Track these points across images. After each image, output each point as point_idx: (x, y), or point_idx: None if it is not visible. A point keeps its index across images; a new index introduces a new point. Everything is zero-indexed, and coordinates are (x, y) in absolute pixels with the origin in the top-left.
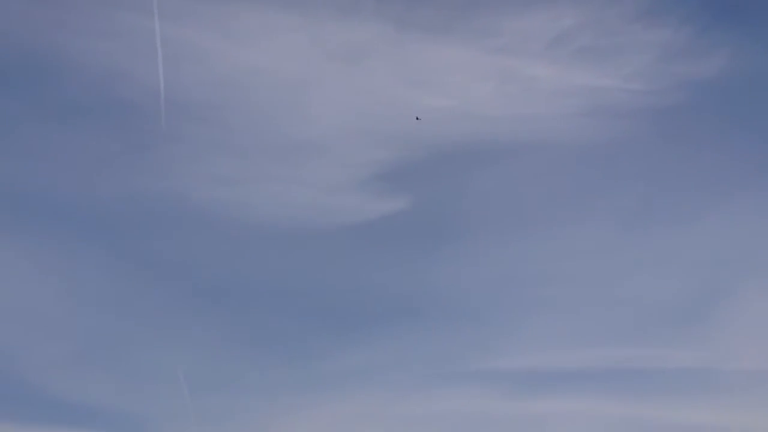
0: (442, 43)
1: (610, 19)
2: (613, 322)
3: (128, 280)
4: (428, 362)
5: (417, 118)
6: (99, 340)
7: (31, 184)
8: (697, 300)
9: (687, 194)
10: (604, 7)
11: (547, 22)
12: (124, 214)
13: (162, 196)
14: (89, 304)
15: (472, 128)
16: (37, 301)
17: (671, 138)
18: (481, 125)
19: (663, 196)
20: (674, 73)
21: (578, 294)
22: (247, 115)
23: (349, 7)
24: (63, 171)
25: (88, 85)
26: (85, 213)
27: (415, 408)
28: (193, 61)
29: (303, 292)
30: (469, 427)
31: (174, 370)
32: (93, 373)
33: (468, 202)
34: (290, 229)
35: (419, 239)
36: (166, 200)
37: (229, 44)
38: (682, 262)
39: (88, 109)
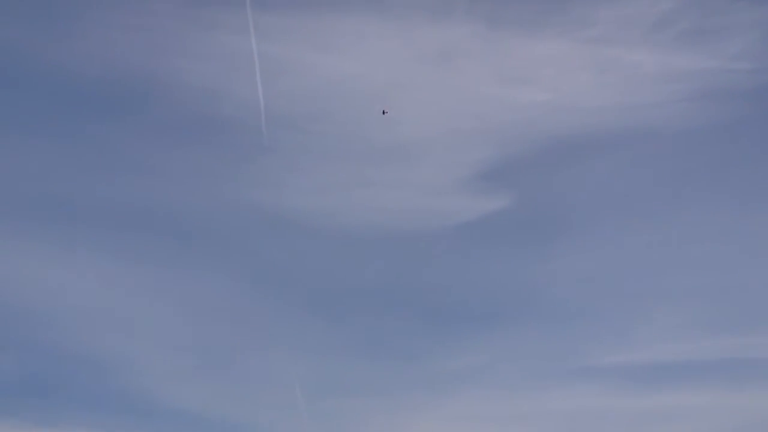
0: (536, 37)
1: None
2: (731, 310)
3: (238, 289)
4: (540, 359)
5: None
6: (214, 350)
7: (142, 201)
8: None
9: None
10: None
11: (645, 7)
12: (232, 226)
13: (266, 207)
14: (202, 315)
15: (572, 121)
16: (155, 314)
17: None
18: (582, 117)
19: None
20: None
21: (694, 283)
22: (344, 123)
23: (440, 9)
24: (171, 187)
25: (191, 105)
26: (194, 226)
27: (528, 406)
28: (289, 75)
29: (410, 294)
30: (584, 425)
31: (288, 376)
32: (210, 382)
33: (573, 196)
34: (393, 234)
35: (524, 236)
36: (271, 211)
37: (323, 55)
38: None
39: (192, 128)
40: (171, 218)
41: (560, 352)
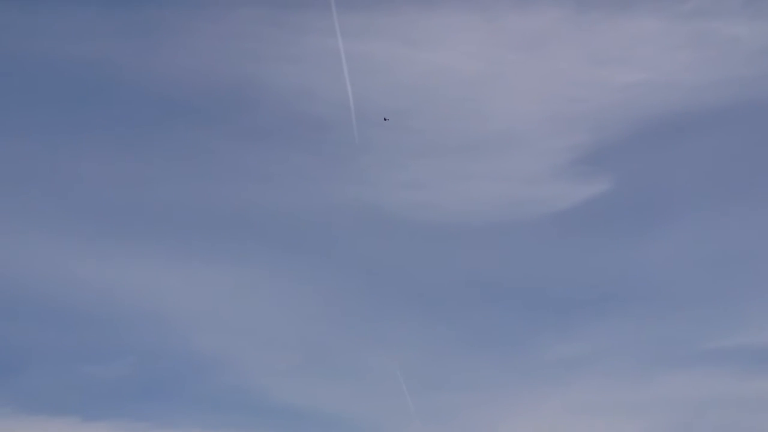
0: (628, 15)
1: None
2: None
3: (340, 287)
4: (650, 347)
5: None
6: (319, 347)
7: (242, 204)
8: None
9: None
10: None
11: None
12: (329, 225)
13: (362, 204)
14: (306, 313)
15: (670, 100)
16: (261, 314)
17: None
18: (680, 95)
19: None
20: None
21: None
22: (435, 117)
23: None
24: (268, 189)
25: (283, 107)
26: (293, 227)
27: (639, 394)
28: (377, 72)
29: (512, 285)
30: (697, 411)
31: (393, 371)
32: (316, 379)
33: (674, 177)
34: (491, 225)
35: (627, 220)
36: (368, 208)
37: (410, 51)
38: None
39: (284, 129)
40: (270, 220)
41: (669, 338)
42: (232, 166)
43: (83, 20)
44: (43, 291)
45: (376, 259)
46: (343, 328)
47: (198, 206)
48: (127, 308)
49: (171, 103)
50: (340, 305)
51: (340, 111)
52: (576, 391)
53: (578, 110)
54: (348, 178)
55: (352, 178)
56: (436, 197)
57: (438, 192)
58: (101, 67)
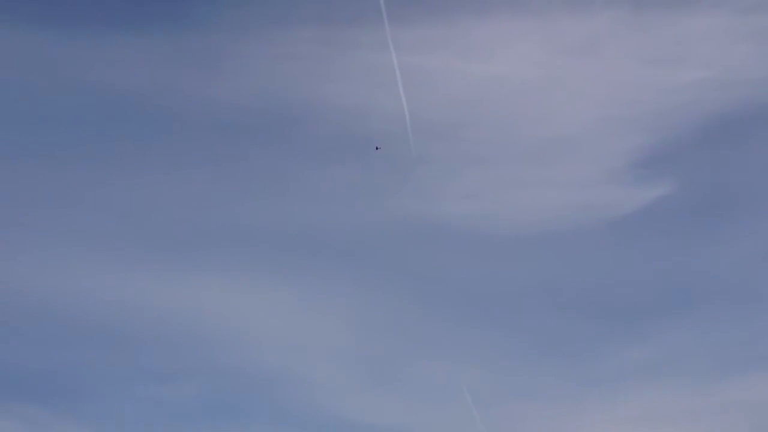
0: (686, 13)
1: None
2: None
3: (401, 300)
4: (721, 350)
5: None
6: (383, 362)
7: (304, 222)
8: None
9: None
10: None
11: None
12: (390, 239)
13: (422, 217)
14: (369, 328)
15: (733, 96)
16: (324, 330)
17: None
18: (743, 92)
19: None
20: None
21: None
22: (491, 126)
23: (578, 0)
24: (329, 206)
25: (339, 125)
26: (354, 243)
27: (711, 399)
28: (432, 84)
29: (575, 292)
30: None
31: (458, 383)
32: (382, 394)
33: (740, 176)
34: (552, 232)
35: (692, 222)
36: (427, 220)
37: (465, 61)
38: None
39: (342, 147)
40: (331, 237)
41: (737, 341)
42: (293, 185)
43: (141, 49)
44: (114, 314)
45: (438, 272)
46: (407, 341)
47: (261, 226)
48: (195, 329)
49: (230, 126)
50: (403, 319)
51: (397, 125)
52: (645, 398)
53: (637, 112)
54: (406, 191)
55: (410, 192)
56: (495, 207)
57: (496, 202)
58: (160, 94)
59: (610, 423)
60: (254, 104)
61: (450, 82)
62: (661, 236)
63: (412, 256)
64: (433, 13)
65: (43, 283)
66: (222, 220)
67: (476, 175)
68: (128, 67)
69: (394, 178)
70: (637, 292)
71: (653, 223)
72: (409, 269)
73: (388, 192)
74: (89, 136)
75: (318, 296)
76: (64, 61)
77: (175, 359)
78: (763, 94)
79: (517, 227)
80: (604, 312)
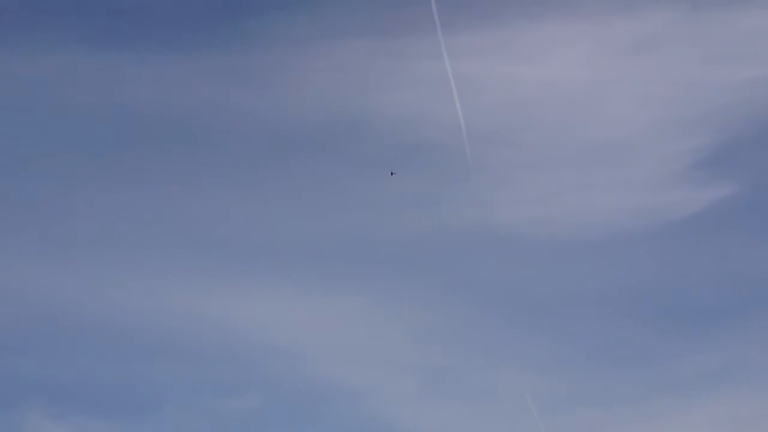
0: (743, 11)
1: None
2: None
3: (462, 309)
4: None
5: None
6: (444, 370)
7: (361, 234)
8: None
9: None
10: None
11: None
12: (448, 249)
13: (480, 226)
14: (429, 338)
15: None
16: (382, 340)
17: None
18: None
19: None
20: None
21: None
22: (547, 131)
23: (633, 0)
24: (386, 218)
25: (394, 135)
26: (412, 254)
27: None
28: (487, 91)
29: (639, 297)
30: None
31: (520, 391)
32: (442, 402)
33: None
34: (614, 236)
35: (758, 222)
36: (485, 228)
37: (519, 66)
38: None
39: (397, 157)
40: (389, 247)
41: None
42: (348, 197)
43: (194, 68)
44: (174, 328)
45: (497, 279)
46: (467, 350)
47: (318, 238)
48: (255, 342)
49: (284, 141)
50: (463, 328)
51: (452, 133)
52: (714, 405)
53: (697, 112)
54: (464, 199)
55: (467, 200)
56: (554, 212)
57: (555, 206)
58: (214, 112)
59: (679, 429)
60: (308, 118)
61: (504, 88)
62: (724, 238)
63: (470, 264)
64: (485, 19)
65: (110, 298)
66: (281, 234)
67: (533, 181)
68: (181, 86)
69: (451, 186)
70: (702, 295)
71: (715, 225)
72: (468, 278)
73: (444, 201)
74: (148, 156)
75: (377, 307)
76: (118, 81)
77: (239, 372)
78: None
79: (577, 232)
80: (669, 317)
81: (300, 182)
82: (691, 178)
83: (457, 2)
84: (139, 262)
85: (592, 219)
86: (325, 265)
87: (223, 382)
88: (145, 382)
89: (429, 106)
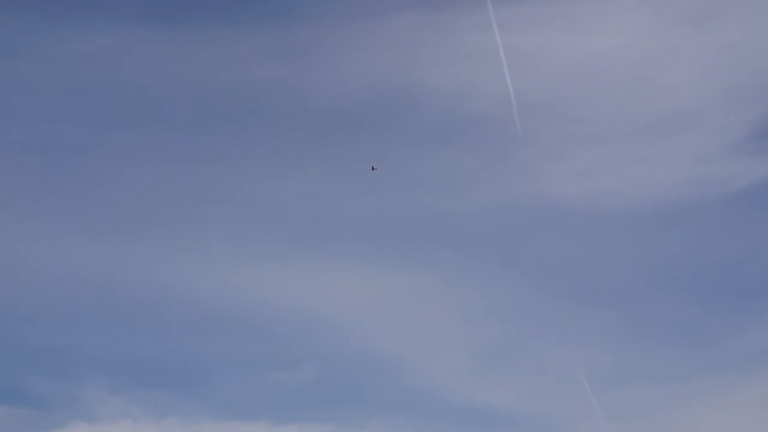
0: None
1: None
2: None
3: (513, 284)
4: None
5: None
6: (497, 346)
7: (412, 209)
8: None
9: None
10: None
11: None
12: (498, 223)
13: (530, 200)
14: (481, 313)
15: None
16: (436, 316)
17: None
18: None
19: None
20: None
21: None
22: (602, 102)
23: None
24: (434, 192)
25: (444, 109)
26: (462, 228)
27: None
28: (537, 62)
29: (696, 272)
30: None
31: (574, 367)
32: (495, 378)
33: None
34: (668, 209)
35: None
36: (536, 202)
37: (570, 37)
38: None
39: (448, 131)
40: (440, 222)
41: None
42: (400, 173)
43: (245, 46)
44: (228, 303)
45: (549, 254)
46: (521, 326)
47: (370, 214)
48: (310, 316)
49: (335, 116)
50: (516, 303)
51: (502, 106)
52: None
53: (757, 82)
54: (515, 173)
55: (519, 174)
56: (608, 185)
57: (609, 179)
58: (268, 90)
59: (735, 407)
60: (358, 94)
61: (556, 60)
62: None
63: (523, 239)
64: None
65: (164, 274)
66: (333, 210)
67: (588, 154)
68: (231, 65)
69: (502, 160)
70: (762, 269)
71: None
72: (521, 252)
73: (496, 175)
74: (199, 134)
75: (432, 283)
76: (168, 60)
77: (292, 346)
78: None
79: (633, 205)
80: (727, 291)
81: (351, 158)
82: (751, 148)
83: None
84: (192, 239)
85: (648, 192)
86: (377, 241)
87: (275, 355)
88: (200, 356)
89: (479, 79)
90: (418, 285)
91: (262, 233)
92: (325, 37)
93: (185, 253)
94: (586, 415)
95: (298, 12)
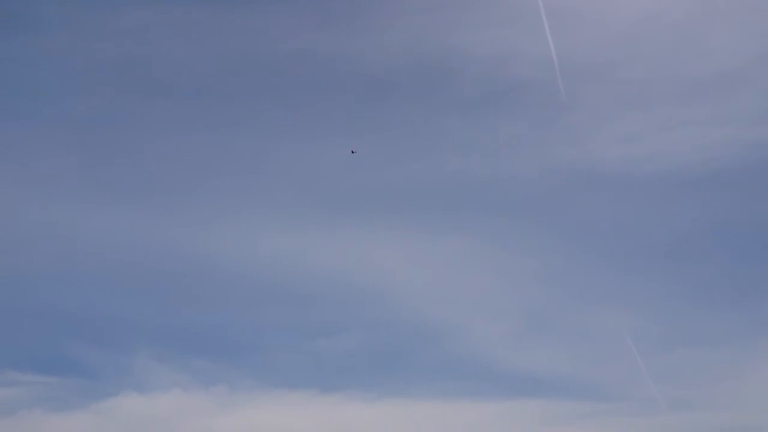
0: None
1: None
2: None
3: (559, 249)
4: None
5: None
6: (543, 311)
7: (456, 176)
8: None
9: None
10: None
11: None
12: (543, 188)
13: (574, 164)
14: (526, 279)
15: None
16: (481, 283)
17: None
18: None
19: None
20: None
21: None
22: (648, 65)
23: None
24: (477, 158)
25: (485, 74)
26: (505, 194)
27: None
28: (580, 25)
29: (748, 234)
30: None
31: (621, 331)
32: (541, 343)
33: None
34: (716, 172)
35: None
36: (579, 167)
37: (614, 0)
38: None
39: (489, 96)
40: (484, 189)
41: None
42: (443, 140)
43: (287, 16)
44: (274, 272)
45: (595, 218)
46: (566, 291)
47: (413, 181)
48: (354, 283)
49: (379, 84)
50: (561, 268)
51: (544, 71)
52: None
53: None
54: (559, 138)
55: (562, 138)
56: (655, 148)
57: (657, 143)
58: (310, 58)
59: None
60: (400, 61)
61: (600, 22)
62: None
63: (569, 204)
64: None
65: (211, 244)
66: (377, 177)
67: (634, 117)
68: (272, 34)
69: (545, 125)
70: None
71: None
72: (566, 217)
73: (539, 140)
74: (243, 104)
75: (473, 248)
76: (210, 32)
77: (337, 313)
78: None
79: (681, 168)
80: None
81: (393, 125)
82: None
83: None
84: (237, 208)
85: (696, 155)
86: (421, 207)
87: (321, 323)
88: (246, 325)
89: (521, 43)
90: (462, 251)
91: (306, 201)
92: (365, 4)
93: (230, 223)
94: (634, 379)
95: None
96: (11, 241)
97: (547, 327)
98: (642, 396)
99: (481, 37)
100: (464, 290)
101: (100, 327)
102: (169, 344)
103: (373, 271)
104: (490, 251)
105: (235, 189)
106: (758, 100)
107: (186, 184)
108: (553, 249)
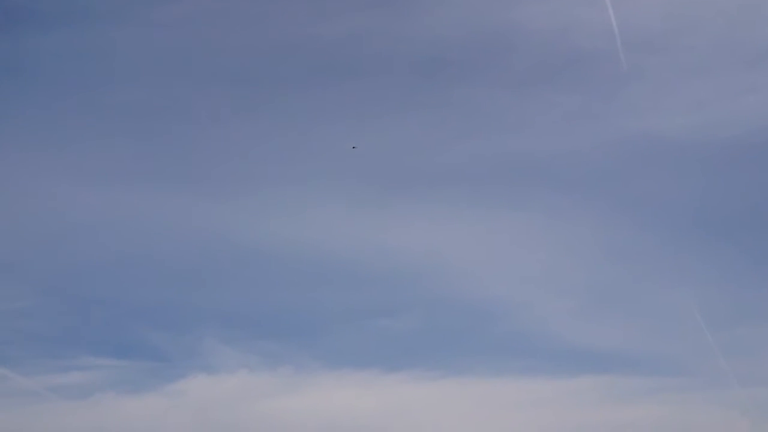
0: None
1: None
2: None
3: (623, 223)
4: None
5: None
6: (607, 287)
7: (512, 152)
8: None
9: None
10: None
11: None
12: (602, 163)
13: (636, 136)
14: (589, 255)
15: None
16: (542, 257)
17: None
18: None
19: None
20: None
21: None
22: (710, 32)
23: None
24: (536, 133)
25: (543, 47)
26: (565, 169)
27: None
28: None
29: None
30: None
31: (688, 306)
32: (606, 319)
33: None
34: None
35: None
36: (642, 139)
37: None
38: None
39: (548, 70)
40: (546, 164)
41: None
42: (503, 115)
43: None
44: (337, 254)
45: (659, 191)
46: (631, 265)
47: (475, 159)
48: (415, 263)
49: (434, 62)
50: (626, 243)
51: (604, 40)
52: None
53: None
54: (620, 110)
55: (624, 110)
56: (719, 117)
57: (720, 111)
58: (363, 39)
59: None
60: (454, 38)
61: None
62: None
63: (631, 177)
64: None
65: (275, 229)
66: (437, 156)
67: (696, 85)
68: (326, 18)
69: (606, 97)
70: None
71: None
72: (629, 191)
73: (600, 113)
74: (298, 90)
75: (537, 225)
76: (261, 19)
77: (400, 294)
78: None
79: (746, 136)
80: None
81: (450, 104)
82: None
83: None
84: (297, 192)
85: (761, 122)
86: (480, 185)
87: (382, 303)
88: (310, 306)
89: (579, 13)
90: (522, 228)
91: (364, 182)
92: None
93: (292, 207)
94: (703, 354)
95: None
96: (80, 230)
97: (611, 302)
98: (711, 371)
99: (537, 9)
100: (526, 267)
101: (169, 311)
102: (235, 327)
103: (433, 249)
104: (552, 227)
105: (294, 173)
106: None
107: (248, 170)
108: (617, 223)
